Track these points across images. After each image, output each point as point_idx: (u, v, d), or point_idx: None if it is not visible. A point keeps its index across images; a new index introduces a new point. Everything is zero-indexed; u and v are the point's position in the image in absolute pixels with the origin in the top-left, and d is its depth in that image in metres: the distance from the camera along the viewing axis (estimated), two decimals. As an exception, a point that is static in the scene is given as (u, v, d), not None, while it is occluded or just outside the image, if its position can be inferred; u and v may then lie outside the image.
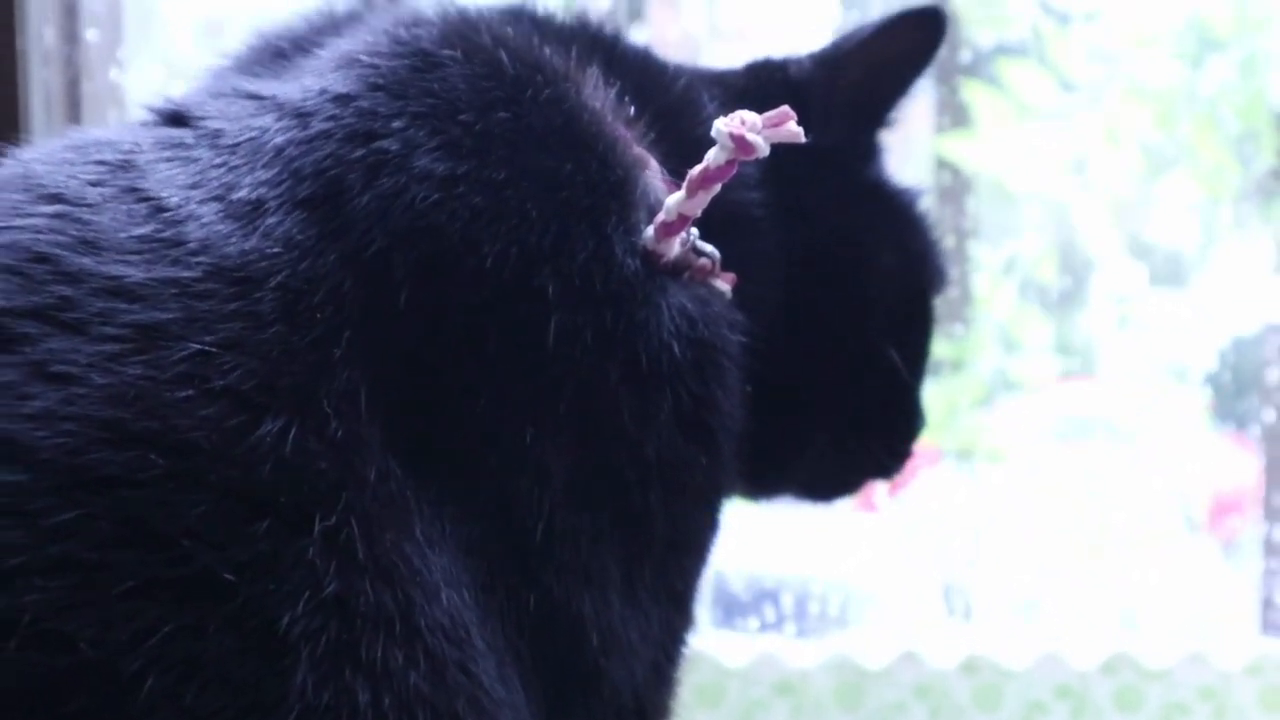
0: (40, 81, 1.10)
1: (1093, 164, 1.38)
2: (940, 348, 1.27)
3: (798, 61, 0.89)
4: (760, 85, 0.88)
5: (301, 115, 0.72)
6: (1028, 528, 1.46)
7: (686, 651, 0.79)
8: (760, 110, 0.77)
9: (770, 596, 1.39)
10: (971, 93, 1.33)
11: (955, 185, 1.33)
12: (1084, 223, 1.41)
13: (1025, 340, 1.42)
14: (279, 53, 0.80)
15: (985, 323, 1.39)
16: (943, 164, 1.39)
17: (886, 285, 0.90)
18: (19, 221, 0.65)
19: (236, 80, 0.77)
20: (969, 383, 1.36)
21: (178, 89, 0.79)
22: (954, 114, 1.34)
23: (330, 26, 0.81)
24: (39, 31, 1.09)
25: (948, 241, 1.19)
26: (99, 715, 0.56)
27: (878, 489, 1.32)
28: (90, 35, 1.15)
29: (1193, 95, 1.41)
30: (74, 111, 1.12)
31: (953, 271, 1.13)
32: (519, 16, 0.82)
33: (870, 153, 0.92)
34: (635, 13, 1.36)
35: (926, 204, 0.95)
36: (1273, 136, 1.37)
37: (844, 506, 1.20)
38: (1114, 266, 1.44)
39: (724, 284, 0.79)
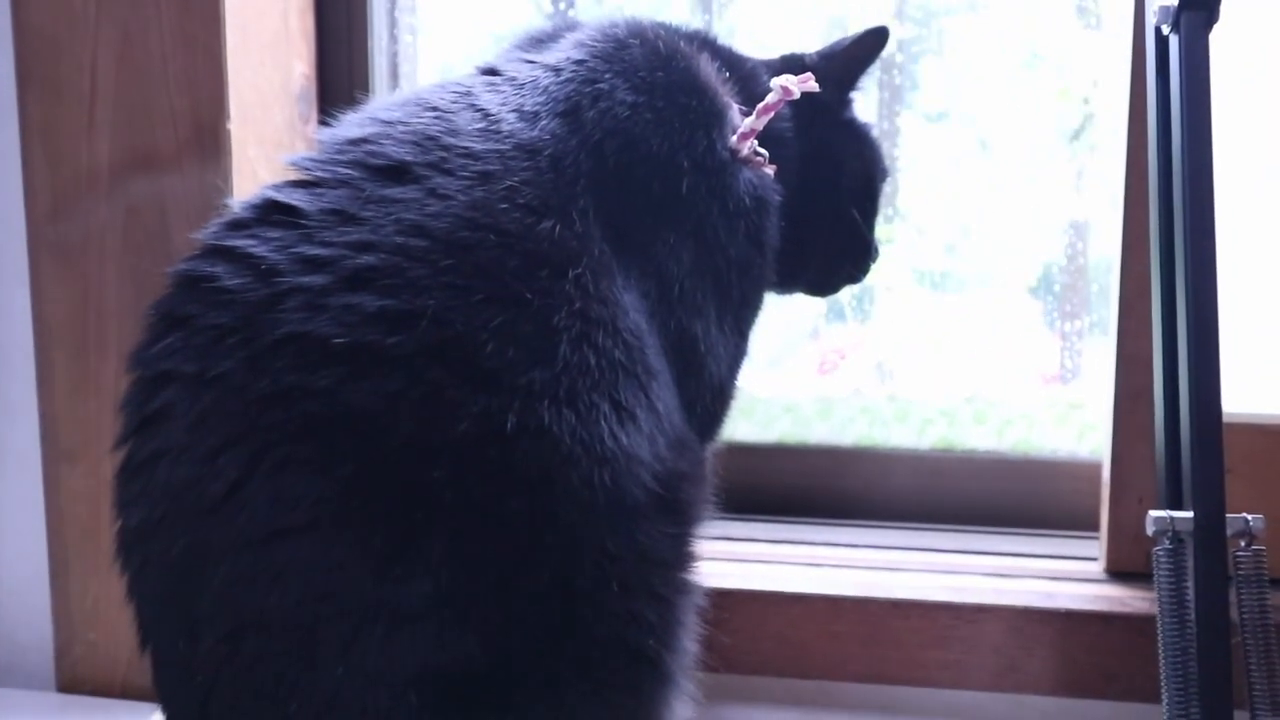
0: (379, 66, 1.56)
1: (964, 121, 1.69)
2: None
3: (811, 54, 1.24)
4: (789, 66, 1.22)
5: (557, 70, 1.03)
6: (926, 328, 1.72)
7: (744, 365, 1.12)
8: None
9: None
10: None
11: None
12: (958, 159, 1.69)
13: (927, 228, 1.69)
14: (538, 40, 1.13)
15: (904, 216, 1.68)
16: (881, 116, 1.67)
17: (853, 174, 1.24)
18: (415, 120, 0.95)
19: (518, 53, 1.10)
20: (891, 250, 1.62)
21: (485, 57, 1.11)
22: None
23: (565, 26, 1.14)
24: (379, 36, 1.56)
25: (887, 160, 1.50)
26: (464, 362, 0.83)
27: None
28: (406, 38, 1.59)
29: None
30: (395, 81, 1.59)
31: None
32: (664, 25, 1.14)
33: (847, 103, 1.26)
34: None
35: (877, 134, 1.30)
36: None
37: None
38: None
39: (769, 170, 1.11)
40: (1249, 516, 0.96)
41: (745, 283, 1.09)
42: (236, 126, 1.36)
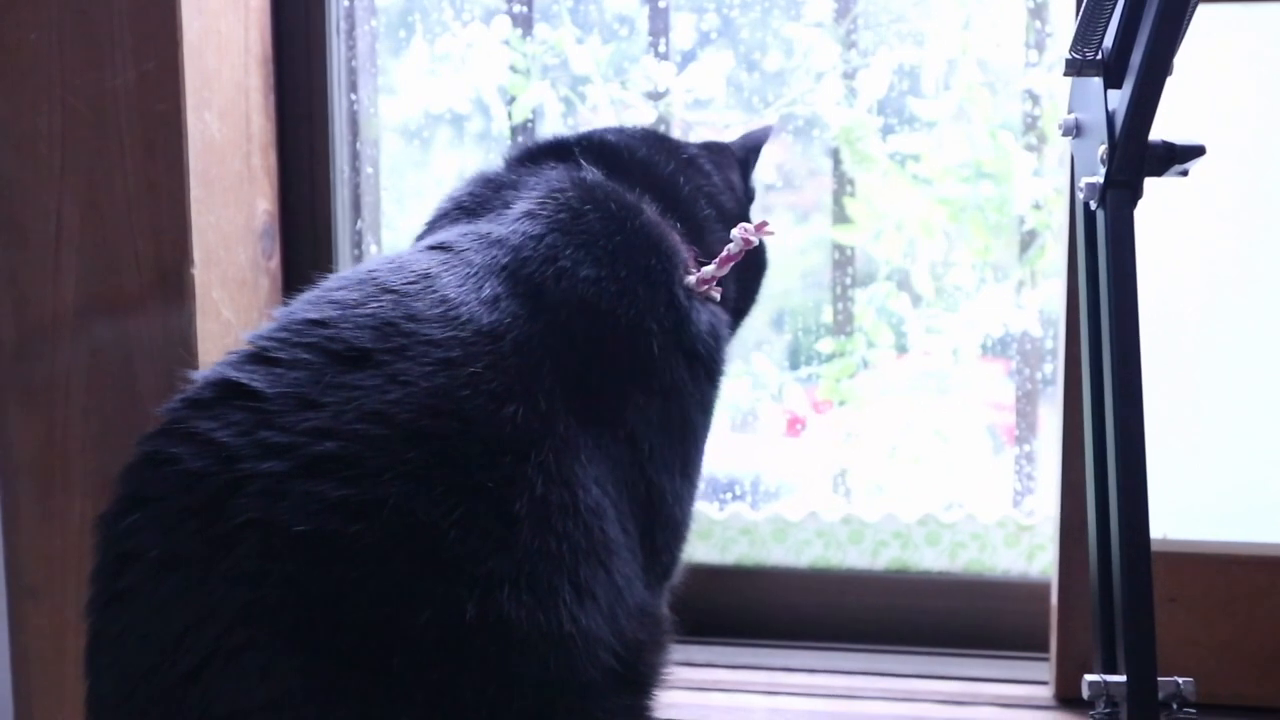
0: (341, 199, 1.60)
1: (913, 238, 1.72)
2: (833, 344, 1.69)
3: (733, 143, 1.34)
4: (719, 155, 1.30)
5: (515, 248, 1.04)
6: (880, 443, 1.74)
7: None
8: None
9: (737, 482, 1.76)
10: (850, 204, 1.69)
11: (843, 257, 1.70)
12: (910, 275, 1.72)
13: (879, 341, 1.72)
14: (484, 200, 1.14)
15: (859, 330, 1.71)
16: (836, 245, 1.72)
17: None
18: (373, 304, 0.96)
19: (469, 225, 1.10)
20: (847, 364, 1.70)
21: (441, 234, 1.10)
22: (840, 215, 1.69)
23: (511, 176, 1.16)
24: (341, 169, 1.60)
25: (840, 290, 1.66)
26: (425, 551, 0.84)
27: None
28: (368, 170, 1.64)
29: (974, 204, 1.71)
30: (358, 213, 1.63)
31: (837, 305, 1.65)
32: (607, 181, 1.14)
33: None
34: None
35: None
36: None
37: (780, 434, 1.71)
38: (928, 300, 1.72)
39: (715, 294, 1.15)
40: (1180, 680, 0.99)
41: (704, 421, 1.12)
42: (200, 270, 1.39)
